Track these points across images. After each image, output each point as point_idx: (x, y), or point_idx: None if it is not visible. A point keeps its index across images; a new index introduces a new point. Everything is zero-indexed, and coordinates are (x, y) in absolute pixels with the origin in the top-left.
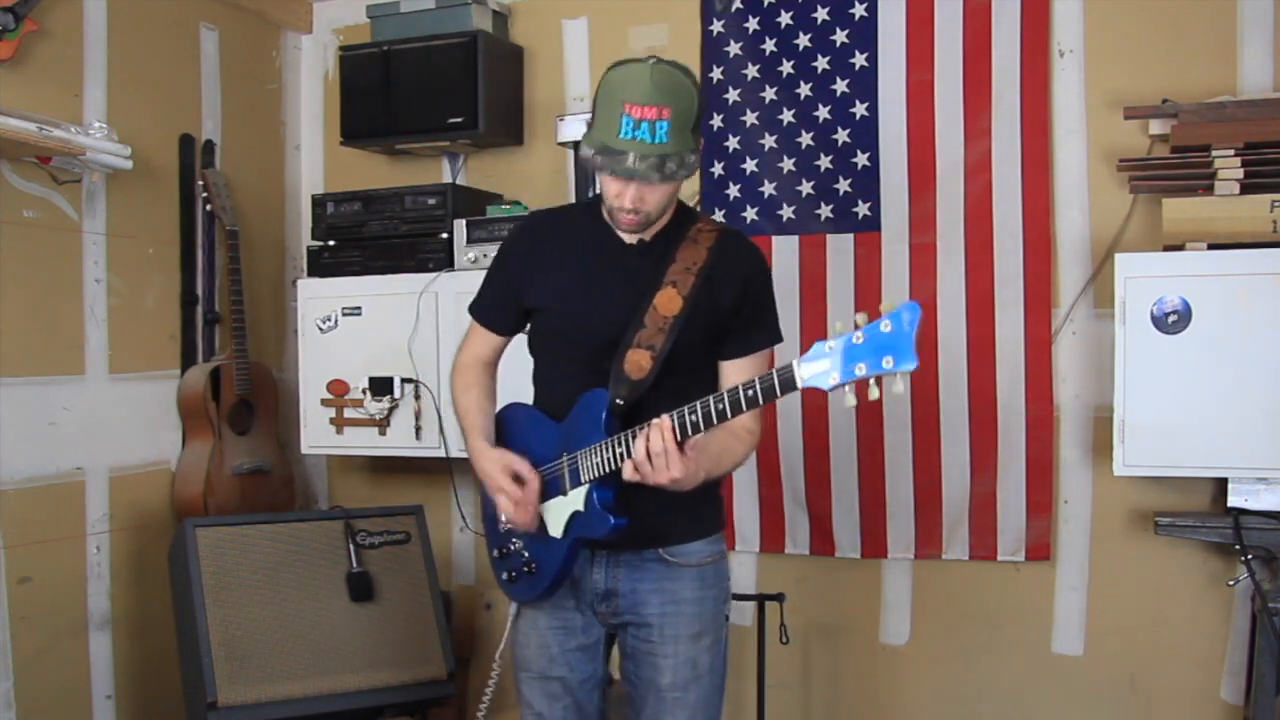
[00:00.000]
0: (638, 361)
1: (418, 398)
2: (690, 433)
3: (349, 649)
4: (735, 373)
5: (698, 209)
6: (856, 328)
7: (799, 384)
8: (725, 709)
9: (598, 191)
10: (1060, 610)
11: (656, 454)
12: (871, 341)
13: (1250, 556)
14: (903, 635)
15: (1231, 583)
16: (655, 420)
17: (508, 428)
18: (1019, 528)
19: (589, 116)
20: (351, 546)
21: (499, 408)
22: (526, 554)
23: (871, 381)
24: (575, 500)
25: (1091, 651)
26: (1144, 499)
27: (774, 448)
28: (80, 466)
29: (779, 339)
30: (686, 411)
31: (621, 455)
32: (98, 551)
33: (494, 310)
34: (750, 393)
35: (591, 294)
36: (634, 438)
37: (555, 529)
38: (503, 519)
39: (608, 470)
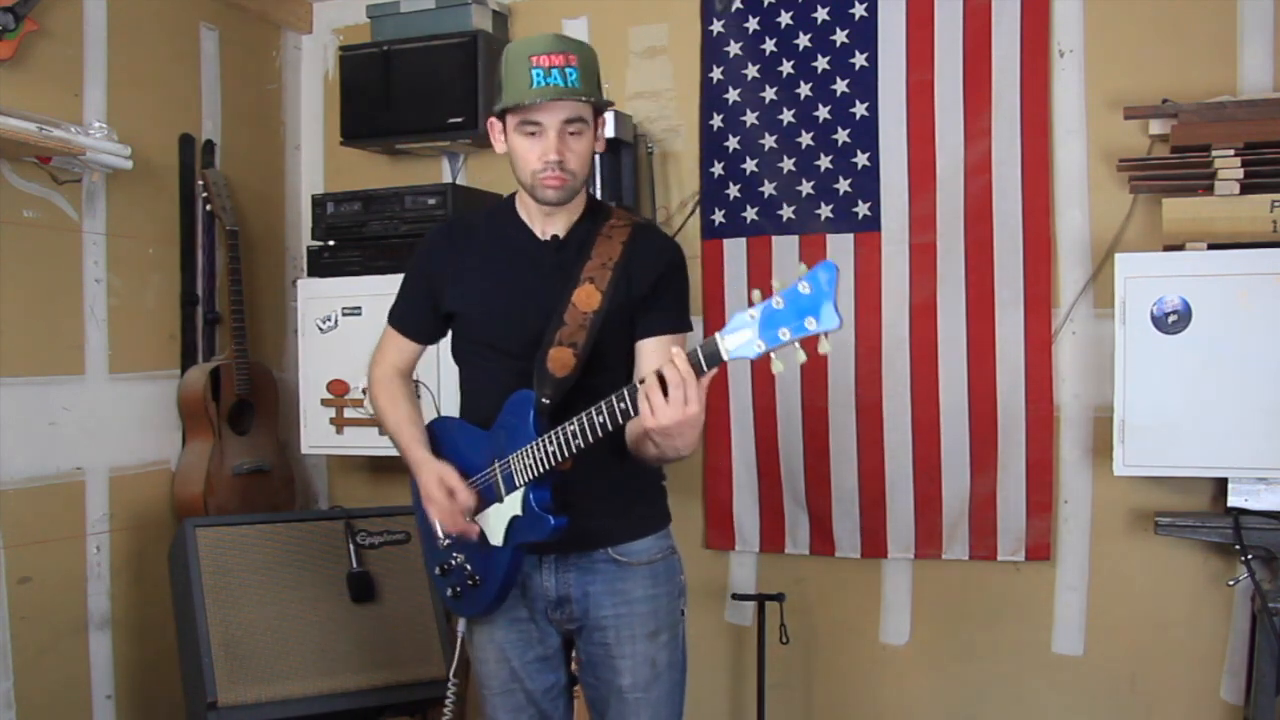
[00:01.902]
0: (561, 359)
1: (418, 397)
2: (621, 420)
3: (349, 649)
4: (649, 350)
5: (697, 208)
6: (775, 293)
7: (724, 356)
8: (725, 710)
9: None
10: (1060, 610)
11: (676, 385)
12: (792, 305)
13: (1250, 556)
14: (903, 635)
15: (1231, 583)
16: (675, 350)
17: (436, 443)
18: (1019, 528)
19: (498, 95)
20: (351, 546)
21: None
22: (469, 567)
23: (797, 345)
24: (513, 505)
25: (1091, 651)
26: (1144, 499)
27: (774, 448)
28: (80, 466)
29: (688, 328)
30: (614, 400)
31: (554, 454)
32: (98, 551)
33: (412, 318)
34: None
35: (509, 294)
36: (564, 435)
37: (495, 537)
38: (440, 535)
39: (542, 470)
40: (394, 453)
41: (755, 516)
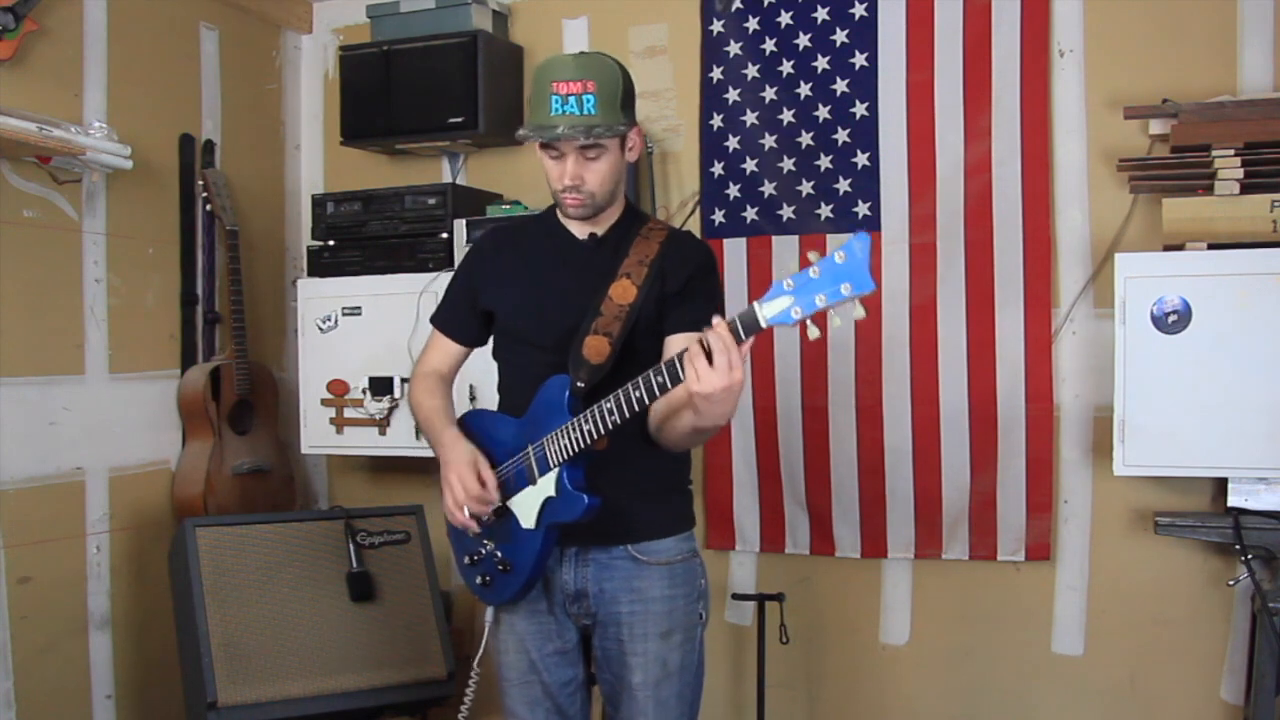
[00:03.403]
0: (596, 347)
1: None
2: (658, 393)
3: (349, 649)
4: (678, 345)
5: (690, 209)
6: (811, 264)
7: (762, 323)
8: (725, 710)
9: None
10: (1060, 610)
11: (720, 350)
12: (828, 274)
13: (1250, 556)
14: (903, 635)
15: (1231, 583)
16: (715, 319)
17: (469, 432)
18: (1019, 528)
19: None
20: (351, 546)
21: (459, 414)
22: (500, 554)
23: (832, 312)
24: (546, 487)
25: (1091, 651)
26: (1144, 499)
27: (774, 448)
28: (80, 466)
29: None
30: (653, 374)
31: (590, 432)
32: (98, 551)
33: (454, 319)
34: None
35: (545, 289)
36: (600, 412)
37: (528, 520)
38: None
39: (577, 450)
40: (394, 453)
41: (755, 516)
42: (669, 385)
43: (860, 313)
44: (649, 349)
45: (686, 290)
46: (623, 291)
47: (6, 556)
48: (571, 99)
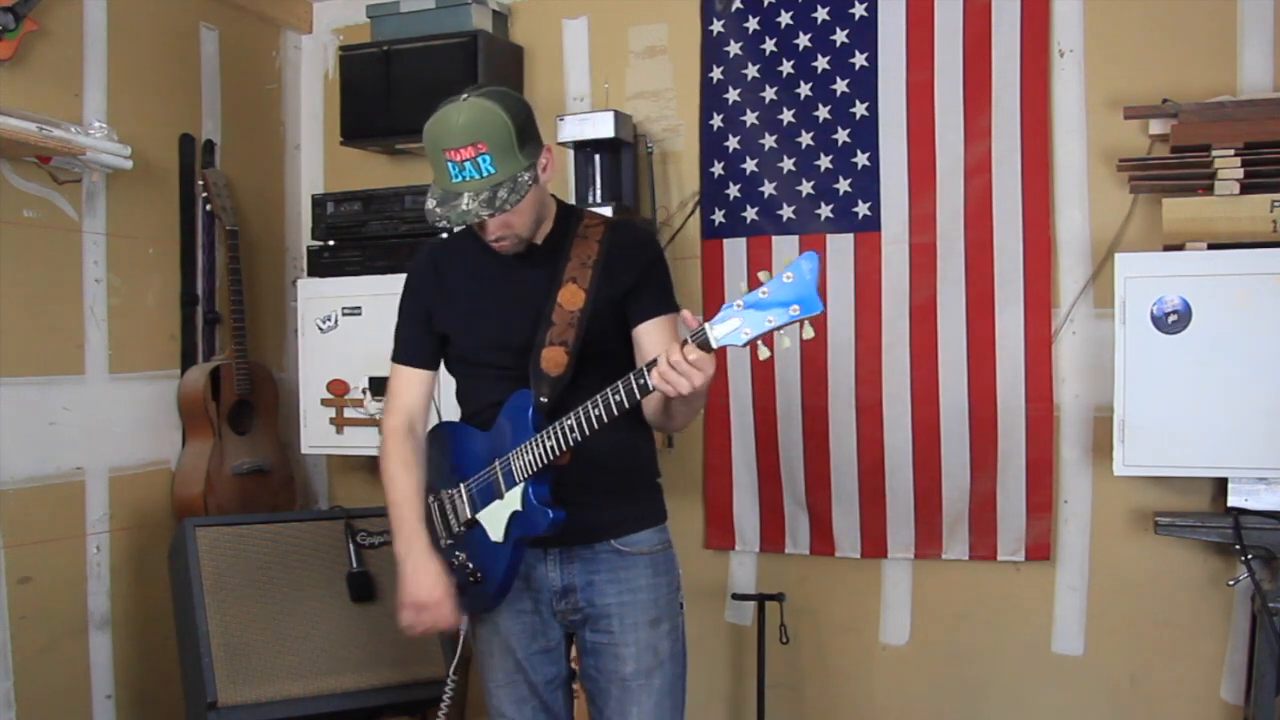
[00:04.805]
0: (554, 358)
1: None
2: (616, 411)
3: (349, 649)
4: (647, 332)
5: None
6: (760, 284)
7: (713, 345)
8: (725, 710)
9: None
10: (1060, 610)
11: (678, 363)
12: (776, 294)
13: (1250, 556)
14: (903, 635)
15: (1231, 583)
16: (671, 345)
17: (438, 446)
18: (1019, 528)
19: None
20: (351, 546)
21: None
22: (471, 565)
23: (782, 332)
24: (513, 501)
25: (1091, 651)
26: (1144, 499)
27: (774, 448)
28: (80, 466)
29: (677, 309)
30: (610, 393)
31: (553, 448)
32: (98, 551)
33: (417, 348)
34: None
35: (497, 306)
36: (562, 429)
37: (496, 534)
38: (440, 534)
39: (541, 465)
40: None
41: (755, 516)
42: (626, 403)
43: (809, 332)
44: (606, 351)
45: (639, 286)
46: (571, 297)
47: (6, 556)
48: (468, 164)
